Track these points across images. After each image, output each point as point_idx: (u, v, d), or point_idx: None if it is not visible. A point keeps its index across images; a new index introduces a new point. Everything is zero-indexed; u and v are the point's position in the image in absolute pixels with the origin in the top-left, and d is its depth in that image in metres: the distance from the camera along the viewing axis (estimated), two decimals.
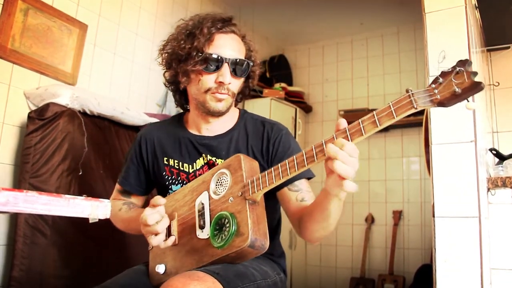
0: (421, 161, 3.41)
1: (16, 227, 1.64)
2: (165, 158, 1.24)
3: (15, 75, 1.86)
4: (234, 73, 1.14)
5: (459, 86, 0.69)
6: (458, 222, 1.31)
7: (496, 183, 1.48)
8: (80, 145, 1.84)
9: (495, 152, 1.80)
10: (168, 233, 1.07)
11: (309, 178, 1.18)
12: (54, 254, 1.69)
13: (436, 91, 0.71)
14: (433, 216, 1.35)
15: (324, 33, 3.91)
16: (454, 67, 0.70)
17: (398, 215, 3.38)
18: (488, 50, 2.31)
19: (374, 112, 0.76)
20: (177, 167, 1.22)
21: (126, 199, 1.32)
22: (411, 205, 3.40)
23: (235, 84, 1.17)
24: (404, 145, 3.45)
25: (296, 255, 3.45)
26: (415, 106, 0.72)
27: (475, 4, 1.82)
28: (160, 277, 1.10)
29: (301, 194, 1.11)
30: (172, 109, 2.67)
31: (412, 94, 0.73)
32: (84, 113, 1.92)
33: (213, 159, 1.19)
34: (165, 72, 1.24)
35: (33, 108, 1.87)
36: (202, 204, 1.05)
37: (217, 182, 1.05)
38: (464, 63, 0.70)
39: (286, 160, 0.90)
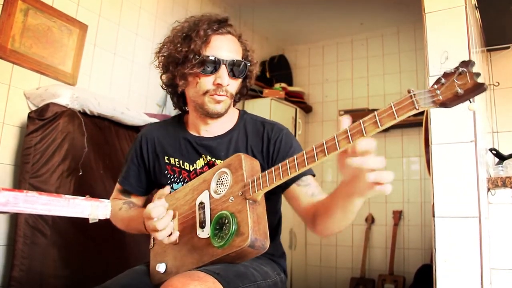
0: (421, 161, 3.41)
1: (16, 227, 1.64)
2: (166, 157, 1.24)
3: (15, 75, 1.86)
4: (232, 74, 1.14)
5: (462, 87, 0.69)
6: (458, 222, 1.31)
7: (496, 183, 1.48)
8: (80, 145, 1.84)
9: (495, 152, 1.80)
10: None
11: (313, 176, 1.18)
12: (54, 254, 1.69)
13: (438, 91, 0.71)
14: (433, 216, 1.35)
15: (324, 33, 3.91)
16: (457, 68, 0.70)
17: (398, 215, 3.38)
18: (488, 50, 2.31)
19: (376, 113, 0.76)
20: (179, 166, 1.22)
21: (126, 199, 1.32)
22: (411, 205, 3.40)
23: (233, 85, 1.17)
24: (404, 145, 3.45)
25: (296, 255, 3.45)
26: (417, 107, 0.71)
27: (475, 4, 1.82)
28: (161, 276, 1.10)
29: (311, 188, 1.10)
30: (172, 109, 2.67)
31: (414, 94, 0.72)
32: (84, 113, 1.92)
33: (213, 160, 1.19)
34: (162, 75, 1.24)
35: (33, 108, 1.87)
36: (203, 203, 1.05)
37: (217, 181, 1.05)
38: (467, 64, 0.69)
39: (287, 160, 0.90)
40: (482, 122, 1.62)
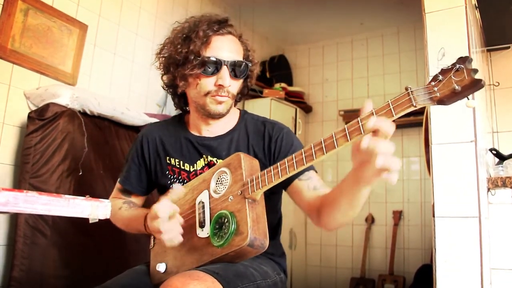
0: (421, 161, 3.41)
1: (16, 227, 1.64)
2: (167, 157, 1.24)
3: (15, 75, 1.86)
4: (234, 74, 1.14)
5: (459, 83, 0.68)
6: (458, 222, 1.31)
7: (496, 183, 1.48)
8: (80, 145, 1.84)
9: (495, 152, 1.80)
10: None
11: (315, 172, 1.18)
12: (54, 254, 1.69)
13: (435, 88, 0.70)
14: (433, 216, 1.35)
15: (324, 33, 3.91)
16: (453, 65, 0.69)
17: (398, 215, 3.38)
18: (488, 50, 2.31)
19: (373, 110, 0.75)
20: (178, 166, 1.22)
21: (126, 198, 1.32)
22: (411, 205, 3.40)
23: (235, 86, 1.17)
24: (404, 145, 3.45)
25: (296, 255, 3.45)
26: (414, 104, 0.71)
27: (475, 4, 1.82)
28: (161, 276, 1.10)
29: (312, 182, 1.10)
30: (172, 109, 2.67)
31: (411, 92, 0.71)
32: (84, 113, 1.92)
33: (214, 159, 1.19)
34: (162, 75, 1.24)
35: (33, 108, 1.87)
36: (203, 203, 1.05)
37: (217, 181, 1.05)
38: (464, 60, 0.68)
39: (286, 159, 0.90)
40: (482, 122, 1.62)
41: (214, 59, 1.10)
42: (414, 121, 3.10)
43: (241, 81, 1.19)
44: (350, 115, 3.60)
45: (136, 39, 2.54)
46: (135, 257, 1.92)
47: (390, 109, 0.73)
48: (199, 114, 1.20)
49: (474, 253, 1.27)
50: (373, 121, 0.73)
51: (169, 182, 1.23)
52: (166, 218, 0.98)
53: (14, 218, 1.70)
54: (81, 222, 1.69)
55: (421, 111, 3.25)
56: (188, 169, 1.21)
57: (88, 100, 1.90)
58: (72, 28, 2.10)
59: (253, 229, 0.93)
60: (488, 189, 1.50)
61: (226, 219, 0.97)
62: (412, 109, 0.72)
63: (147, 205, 1.34)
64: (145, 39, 2.60)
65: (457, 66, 0.69)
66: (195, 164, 1.21)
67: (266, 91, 3.40)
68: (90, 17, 2.21)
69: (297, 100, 3.71)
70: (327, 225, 1.02)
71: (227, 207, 0.99)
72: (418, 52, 3.53)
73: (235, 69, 1.14)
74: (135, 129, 2.17)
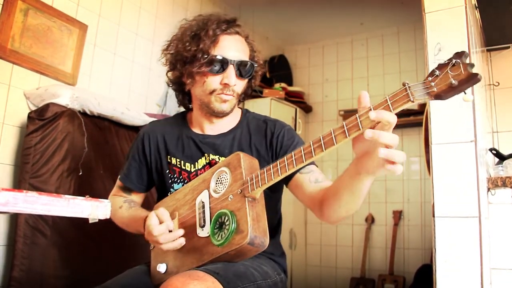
0: (421, 161, 3.41)
1: (16, 227, 1.64)
2: (168, 157, 1.24)
3: (15, 75, 1.86)
4: (239, 74, 1.15)
5: (456, 78, 0.68)
6: (458, 222, 1.31)
7: (496, 183, 1.48)
8: (80, 145, 1.84)
9: (495, 152, 1.80)
10: None
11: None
12: (54, 254, 1.69)
13: (433, 83, 0.70)
14: (433, 216, 1.35)
15: (324, 33, 3.91)
16: (450, 59, 0.70)
17: (398, 215, 3.38)
18: (488, 50, 2.31)
19: (372, 106, 0.76)
20: (179, 166, 1.22)
21: (127, 195, 1.32)
22: (411, 205, 3.40)
23: (240, 85, 1.18)
24: (404, 145, 3.45)
25: (296, 255, 3.45)
26: (412, 99, 0.71)
27: (475, 4, 1.82)
28: (161, 276, 1.10)
29: (314, 175, 1.10)
30: (172, 109, 2.67)
31: (409, 87, 0.72)
32: (84, 113, 1.92)
33: (216, 157, 1.19)
34: (168, 72, 1.24)
35: (33, 108, 1.87)
36: (203, 202, 1.05)
37: (217, 181, 1.05)
38: (460, 55, 0.69)
39: (285, 157, 0.90)
40: (482, 122, 1.62)
41: (221, 58, 1.11)
42: (414, 121, 3.10)
43: (246, 81, 1.20)
44: (350, 115, 3.52)
45: (136, 39, 2.54)
46: (135, 257, 1.92)
47: (388, 104, 0.73)
48: (202, 112, 1.21)
49: (474, 253, 1.27)
50: (374, 113, 0.72)
51: (169, 181, 1.23)
52: (161, 233, 1.01)
53: (14, 218, 1.70)
54: (81, 222, 1.69)
55: (421, 111, 3.25)
56: (189, 169, 1.21)
57: (88, 100, 1.90)
58: (72, 28, 2.10)
59: (253, 228, 0.93)
60: (488, 189, 1.50)
61: (226, 218, 0.97)
62: (410, 104, 0.72)
63: (146, 204, 1.34)
64: (145, 39, 2.60)
65: (454, 61, 0.69)
66: (196, 163, 1.21)
67: (266, 91, 3.40)
68: (90, 17, 2.21)
69: (297, 100, 3.71)
70: (330, 218, 1.02)
71: (227, 206, 0.99)
72: (418, 52, 3.53)
73: (241, 68, 1.15)
74: (135, 129, 2.17)
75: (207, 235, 1.00)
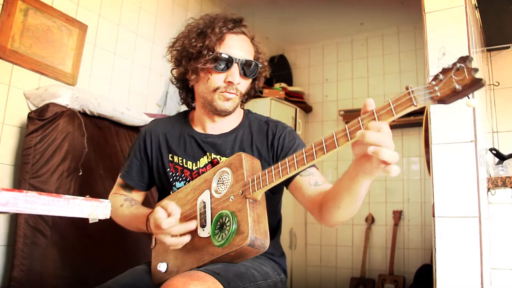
0: (421, 161, 3.41)
1: (16, 227, 1.64)
2: (170, 155, 1.24)
3: (15, 75, 1.86)
4: (243, 73, 1.15)
5: (460, 82, 0.68)
6: (458, 222, 1.31)
7: (496, 183, 1.48)
8: (80, 145, 1.84)
9: (495, 152, 1.80)
10: None
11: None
12: (54, 254, 1.69)
13: (436, 88, 0.70)
14: (433, 216, 1.35)
15: (324, 33, 3.91)
16: (454, 64, 0.69)
17: (398, 215, 3.38)
18: (488, 50, 2.31)
19: (374, 110, 0.76)
20: (181, 164, 1.22)
21: (127, 194, 1.32)
22: (411, 205, 3.40)
23: (244, 85, 1.18)
24: (404, 145, 3.45)
25: (296, 255, 3.45)
26: (415, 104, 0.71)
27: (475, 4, 1.82)
28: (162, 276, 1.10)
29: (314, 177, 1.10)
30: (172, 109, 2.67)
31: (412, 91, 0.72)
32: (84, 113, 1.92)
33: (218, 157, 1.19)
34: (172, 69, 1.25)
35: (33, 108, 1.87)
36: (204, 202, 1.05)
37: (218, 181, 1.05)
38: (464, 59, 0.68)
39: (286, 159, 0.90)
40: (482, 122, 1.62)
41: (226, 56, 1.12)
42: (414, 121, 3.10)
43: (249, 80, 1.21)
44: (350, 115, 3.60)
45: (136, 39, 2.54)
46: (135, 257, 1.92)
47: (391, 108, 0.73)
48: (205, 110, 1.21)
49: (474, 253, 1.27)
50: (361, 132, 0.74)
51: (171, 179, 1.23)
52: (171, 226, 1.00)
53: (14, 218, 1.70)
54: (81, 222, 1.69)
55: (421, 111, 3.25)
56: (191, 167, 1.21)
57: (88, 100, 1.90)
58: (72, 28, 2.10)
59: (254, 229, 0.93)
60: (488, 189, 1.50)
61: (227, 219, 0.97)
62: (412, 108, 0.72)
63: (146, 204, 1.34)
64: (145, 39, 2.60)
65: (458, 65, 0.68)
66: (198, 162, 1.21)
67: (266, 91, 3.40)
68: (90, 17, 2.21)
69: (297, 100, 3.71)
70: (329, 221, 1.02)
71: (228, 207, 0.99)
72: (418, 52, 3.53)
73: (245, 68, 1.16)
74: (135, 129, 2.17)
75: (208, 235, 1.00)
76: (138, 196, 1.34)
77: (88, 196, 0.76)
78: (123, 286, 1.10)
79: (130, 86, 2.49)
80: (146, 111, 2.44)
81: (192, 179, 1.18)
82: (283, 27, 3.80)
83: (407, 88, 0.72)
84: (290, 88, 3.72)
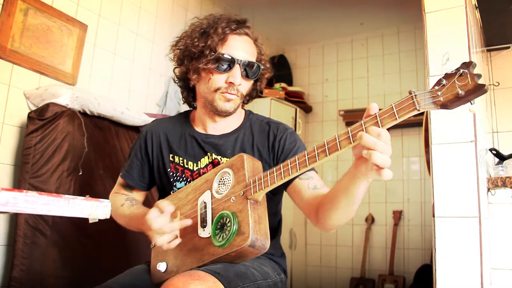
0: (421, 161, 3.41)
1: (16, 227, 1.64)
2: (170, 155, 1.24)
3: (15, 75, 1.86)
4: (245, 74, 1.16)
5: (463, 88, 0.68)
6: (458, 222, 1.31)
7: (496, 183, 1.48)
8: (80, 145, 1.84)
9: (495, 152, 1.80)
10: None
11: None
12: (54, 254, 1.69)
13: (439, 93, 0.70)
14: (433, 216, 1.35)
15: (324, 33, 3.91)
16: (457, 69, 0.70)
17: (398, 215, 3.38)
18: (488, 50, 2.31)
19: (377, 113, 0.76)
20: (182, 165, 1.22)
21: (128, 193, 1.32)
22: (411, 205, 3.40)
23: (245, 86, 1.18)
24: (404, 145, 3.45)
25: (296, 255, 3.45)
26: (418, 108, 0.72)
27: (475, 4, 1.82)
28: (161, 275, 1.10)
29: (313, 181, 1.10)
30: (172, 109, 2.67)
31: (415, 95, 0.72)
32: (84, 113, 1.92)
33: (218, 157, 1.19)
34: (175, 68, 1.25)
35: (33, 108, 1.87)
36: (205, 203, 1.05)
37: (219, 181, 1.05)
38: (468, 65, 0.69)
39: (288, 160, 0.91)
40: (482, 122, 1.62)
41: (229, 56, 1.12)
42: (414, 121, 3.10)
43: (251, 82, 1.21)
44: (350, 115, 3.60)
45: (136, 39, 2.54)
46: (135, 256, 1.92)
47: (394, 112, 0.74)
48: (206, 110, 1.21)
49: (474, 253, 1.27)
50: (361, 134, 0.76)
51: (172, 179, 1.23)
52: (161, 227, 1.00)
53: (14, 218, 1.70)
54: (81, 222, 1.70)
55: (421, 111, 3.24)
56: (191, 168, 1.21)
57: (88, 100, 1.90)
58: (72, 28, 2.10)
59: (255, 230, 0.93)
60: (488, 189, 1.50)
61: (228, 219, 0.97)
62: (415, 112, 0.73)
63: (146, 204, 1.34)
64: (145, 39, 2.60)
65: (461, 70, 0.69)
66: (199, 162, 1.21)
67: (266, 91, 3.40)
68: (90, 17, 2.21)
69: (297, 100, 3.71)
70: (325, 224, 1.03)
71: (229, 207, 0.99)
72: (418, 52, 3.53)
73: (247, 69, 1.16)
74: (135, 129, 2.17)
75: (208, 235, 1.00)
76: (138, 195, 1.34)
77: (88, 196, 0.76)
78: (122, 285, 1.10)
79: (130, 86, 2.48)
80: (146, 111, 2.44)
81: (193, 179, 1.18)
82: (283, 27, 3.80)
83: (410, 93, 0.73)
84: (290, 88, 3.72)
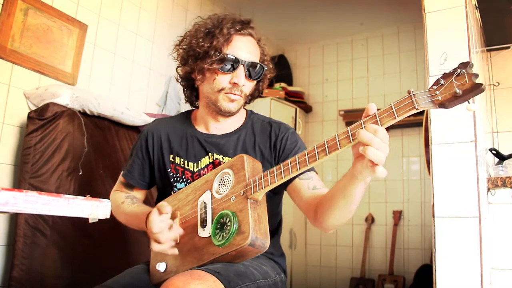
0: (421, 161, 3.41)
1: (16, 227, 1.64)
2: (171, 155, 1.24)
3: (15, 75, 1.86)
4: (249, 75, 1.16)
5: (460, 87, 0.70)
6: (458, 222, 1.31)
7: (496, 183, 1.48)
8: (80, 145, 1.84)
9: (495, 152, 1.80)
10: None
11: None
12: (54, 254, 1.69)
13: (437, 92, 0.72)
14: (433, 216, 1.35)
15: (324, 33, 3.91)
16: (455, 69, 0.71)
17: (398, 215, 3.38)
18: (488, 50, 2.31)
19: (376, 112, 0.77)
20: (182, 166, 1.22)
21: (129, 191, 1.32)
22: (411, 205, 3.40)
23: (248, 86, 1.19)
24: (404, 145, 3.45)
25: (296, 255, 3.45)
26: (416, 107, 0.73)
27: (475, 4, 1.82)
28: (161, 275, 1.10)
29: (313, 182, 1.11)
30: (172, 109, 2.67)
31: (414, 95, 0.73)
32: (84, 113, 1.92)
33: (220, 157, 1.19)
34: (178, 67, 1.25)
35: (33, 108, 1.87)
36: (205, 203, 1.05)
37: (220, 182, 1.06)
38: (465, 65, 0.70)
39: (289, 160, 0.91)
40: (482, 122, 1.62)
41: (233, 57, 1.12)
42: (414, 121, 3.10)
43: (254, 82, 1.21)
44: (350, 115, 3.60)
45: (136, 39, 2.54)
46: (135, 256, 1.93)
47: (393, 111, 0.75)
48: (209, 110, 1.21)
49: (474, 253, 1.27)
50: (360, 132, 0.77)
51: (172, 180, 1.23)
52: (162, 232, 1.02)
53: (14, 218, 1.70)
54: (81, 222, 1.70)
55: (421, 111, 3.24)
56: (192, 169, 1.21)
57: (88, 100, 1.90)
58: (72, 28, 2.10)
59: (255, 229, 0.93)
60: (488, 189, 1.50)
61: (228, 219, 0.97)
62: (414, 111, 0.74)
63: (146, 203, 1.34)
64: (145, 39, 2.60)
65: (459, 70, 0.71)
66: (199, 162, 1.21)
67: (266, 91, 3.39)
68: (90, 17, 2.21)
69: (297, 100, 3.71)
70: (323, 223, 1.03)
71: (229, 207, 0.99)
72: (418, 52, 3.53)
73: (251, 70, 1.16)
74: (135, 129, 2.17)
75: (208, 235, 1.01)
76: (139, 194, 1.34)
77: (89, 196, 0.76)
78: (122, 285, 1.11)
79: (130, 86, 2.49)
80: (146, 111, 2.44)
81: (193, 180, 1.18)
82: (283, 27, 3.80)
83: (408, 92, 0.74)
84: (290, 88, 3.73)
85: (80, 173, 1.82)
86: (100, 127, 2.00)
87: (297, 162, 0.89)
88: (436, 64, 1.42)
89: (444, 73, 0.73)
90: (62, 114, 1.80)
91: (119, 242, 1.91)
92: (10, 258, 1.65)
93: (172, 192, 1.23)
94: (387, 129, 0.78)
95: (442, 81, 0.72)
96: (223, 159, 1.19)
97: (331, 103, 3.92)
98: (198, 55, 1.15)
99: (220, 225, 0.99)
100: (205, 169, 1.20)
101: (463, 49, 1.39)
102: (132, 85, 2.50)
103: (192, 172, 1.21)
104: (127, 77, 2.47)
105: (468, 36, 1.40)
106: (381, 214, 3.49)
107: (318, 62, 4.07)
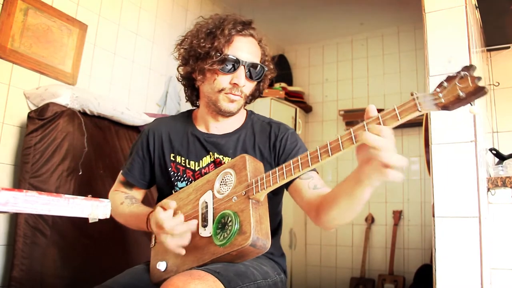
0: (421, 161, 3.41)
1: (16, 227, 1.64)
2: (172, 154, 1.25)
3: (15, 75, 1.86)
4: (249, 76, 1.16)
5: (463, 90, 0.71)
6: (458, 222, 1.31)
7: (496, 183, 1.48)
8: (80, 145, 1.84)
9: (495, 152, 1.80)
10: None
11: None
12: (54, 254, 1.69)
13: (440, 95, 0.73)
14: (433, 216, 1.35)
15: (324, 33, 3.91)
16: (458, 72, 0.72)
17: (398, 215, 3.38)
18: (488, 50, 2.31)
19: (379, 114, 0.78)
20: (184, 164, 1.22)
21: (128, 191, 1.32)
22: (411, 205, 3.40)
23: (249, 87, 1.19)
24: (404, 145, 3.45)
25: (296, 255, 3.45)
26: (420, 109, 0.74)
27: (475, 4, 1.82)
28: (161, 275, 1.10)
29: (313, 181, 1.11)
30: (172, 109, 2.67)
31: (417, 97, 0.74)
32: (84, 113, 1.92)
33: (220, 157, 1.19)
34: (179, 67, 1.25)
35: (33, 108, 1.87)
36: (206, 203, 1.05)
37: (221, 182, 1.06)
38: (468, 68, 0.71)
39: (291, 160, 0.91)
40: (482, 122, 1.62)
41: (234, 58, 1.13)
42: (414, 121, 3.08)
43: (255, 83, 1.21)
44: (350, 115, 3.60)
45: (136, 39, 2.54)
46: (135, 256, 1.93)
47: (396, 114, 0.76)
48: (209, 110, 1.22)
49: (474, 253, 1.27)
50: (364, 134, 0.76)
51: (172, 179, 1.23)
52: (172, 228, 1.00)
53: (14, 218, 1.70)
54: (81, 222, 1.70)
55: None
56: (193, 167, 1.21)
57: (88, 100, 1.90)
58: (72, 28, 2.10)
59: (256, 229, 0.93)
60: (488, 189, 1.50)
61: (229, 219, 0.97)
62: (417, 114, 0.75)
63: (146, 203, 1.34)
64: (145, 39, 2.60)
65: (462, 73, 0.72)
66: (200, 161, 1.21)
67: (266, 91, 3.36)
68: (90, 17, 2.21)
69: (297, 100, 3.72)
70: (325, 222, 1.03)
71: (231, 207, 0.99)
72: (418, 52, 3.53)
73: (251, 70, 1.16)
74: (135, 129, 2.17)
75: (209, 235, 1.01)
76: (138, 194, 1.34)
77: (90, 195, 0.76)
78: (122, 285, 1.11)
79: (130, 86, 2.49)
80: (146, 111, 2.44)
81: (194, 179, 1.19)
82: (283, 27, 3.80)
83: (412, 94, 0.75)
84: (290, 88, 3.73)
85: (80, 173, 1.82)
86: (100, 127, 2.00)
87: (299, 163, 0.89)
88: (436, 64, 1.42)
89: (448, 76, 0.74)
90: (62, 114, 1.80)
91: (119, 242, 1.91)
92: (10, 258, 1.65)
93: (173, 191, 1.23)
94: None
95: (445, 84, 0.73)
96: (223, 159, 1.19)
97: (331, 103, 3.92)
98: (199, 55, 1.15)
99: (221, 225, 0.99)
100: (206, 168, 1.20)
101: (463, 49, 1.39)
102: (132, 85, 2.50)
103: (193, 171, 1.21)
104: (127, 77, 2.47)
105: (468, 36, 1.40)
106: (381, 214, 3.49)
107: (318, 62, 4.07)
